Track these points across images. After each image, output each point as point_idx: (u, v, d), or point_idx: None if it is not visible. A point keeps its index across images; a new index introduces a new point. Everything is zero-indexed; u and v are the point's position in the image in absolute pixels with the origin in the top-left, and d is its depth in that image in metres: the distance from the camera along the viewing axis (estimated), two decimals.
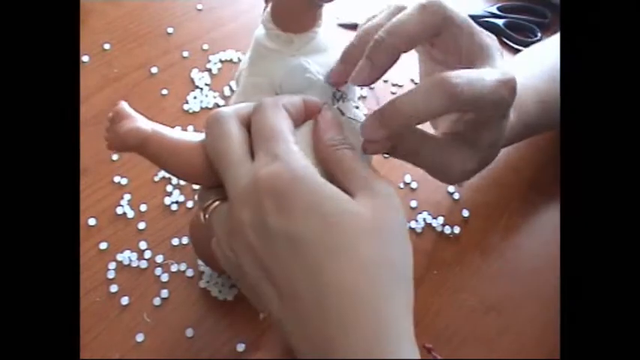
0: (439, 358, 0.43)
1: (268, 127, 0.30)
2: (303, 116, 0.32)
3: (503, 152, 0.55)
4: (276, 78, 0.34)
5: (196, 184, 0.34)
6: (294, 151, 0.29)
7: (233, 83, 0.58)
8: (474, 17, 0.37)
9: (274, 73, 0.34)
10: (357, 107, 0.35)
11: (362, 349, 0.27)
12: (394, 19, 0.32)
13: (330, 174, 0.31)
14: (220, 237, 0.31)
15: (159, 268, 0.47)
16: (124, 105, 0.33)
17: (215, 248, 0.33)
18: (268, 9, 0.35)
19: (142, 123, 0.32)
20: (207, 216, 0.32)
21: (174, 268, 0.47)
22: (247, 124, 0.32)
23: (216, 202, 0.32)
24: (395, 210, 0.29)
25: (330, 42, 0.35)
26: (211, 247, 0.33)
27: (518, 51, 0.61)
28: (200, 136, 0.33)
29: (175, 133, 0.33)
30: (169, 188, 0.51)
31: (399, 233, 0.29)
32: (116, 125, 0.32)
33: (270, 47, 0.34)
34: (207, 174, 0.32)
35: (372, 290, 0.27)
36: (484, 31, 0.33)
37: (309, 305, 0.27)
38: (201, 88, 0.57)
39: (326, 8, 0.34)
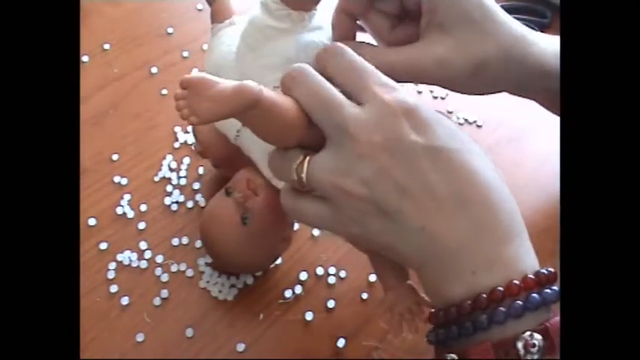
0: None
1: (360, 64, 0.33)
2: None
3: (502, 150, 0.56)
4: (290, 55, 0.35)
5: (284, 144, 0.33)
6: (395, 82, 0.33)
7: None
8: None
9: (286, 51, 0.35)
10: None
11: (507, 229, 0.31)
12: None
13: None
14: (334, 181, 0.31)
15: (159, 268, 0.47)
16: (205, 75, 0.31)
17: (302, 207, 0.34)
18: None
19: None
20: (302, 175, 0.32)
21: (174, 268, 0.47)
22: None
23: (307, 157, 0.32)
24: None
25: (322, 20, 0.37)
26: (286, 204, 0.34)
27: None
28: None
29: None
30: (169, 188, 0.51)
31: None
32: (212, 90, 0.30)
33: (279, 27, 0.35)
34: (305, 129, 0.32)
35: (502, 183, 0.32)
36: None
37: (454, 205, 0.31)
38: None
39: None
